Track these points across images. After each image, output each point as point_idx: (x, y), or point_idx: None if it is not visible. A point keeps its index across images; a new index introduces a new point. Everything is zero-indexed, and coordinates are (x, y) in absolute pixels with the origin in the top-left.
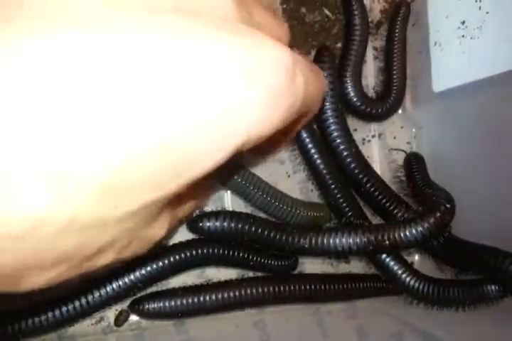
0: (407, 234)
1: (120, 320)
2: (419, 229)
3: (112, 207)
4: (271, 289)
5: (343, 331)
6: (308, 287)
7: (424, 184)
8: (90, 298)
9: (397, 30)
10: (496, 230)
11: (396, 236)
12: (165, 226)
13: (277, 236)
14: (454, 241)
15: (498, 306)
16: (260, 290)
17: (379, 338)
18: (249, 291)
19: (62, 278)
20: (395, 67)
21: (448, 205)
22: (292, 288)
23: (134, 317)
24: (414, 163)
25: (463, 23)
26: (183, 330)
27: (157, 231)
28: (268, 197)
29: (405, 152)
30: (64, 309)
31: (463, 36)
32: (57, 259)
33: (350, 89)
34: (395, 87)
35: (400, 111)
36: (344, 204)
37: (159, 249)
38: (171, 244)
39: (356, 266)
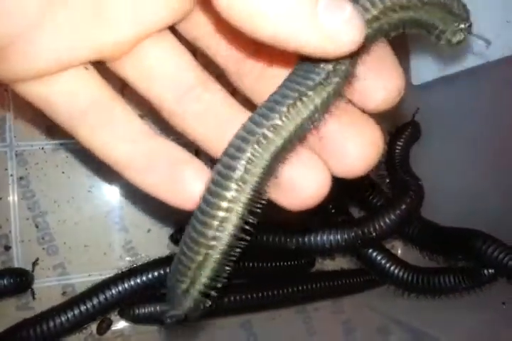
0: (392, 218)
1: (102, 328)
2: (402, 208)
3: None
4: (267, 294)
5: (329, 327)
6: (298, 289)
7: (401, 156)
8: (83, 308)
9: None
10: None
11: (382, 225)
12: None
13: (264, 238)
14: (434, 228)
15: (482, 299)
16: (253, 295)
17: (365, 333)
18: (243, 297)
19: None
20: None
21: (419, 183)
22: (283, 291)
23: (117, 325)
24: (407, 131)
25: None
26: (168, 335)
27: None
28: None
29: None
30: (51, 323)
31: None
32: None
33: None
34: None
35: None
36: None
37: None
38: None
39: (341, 262)
